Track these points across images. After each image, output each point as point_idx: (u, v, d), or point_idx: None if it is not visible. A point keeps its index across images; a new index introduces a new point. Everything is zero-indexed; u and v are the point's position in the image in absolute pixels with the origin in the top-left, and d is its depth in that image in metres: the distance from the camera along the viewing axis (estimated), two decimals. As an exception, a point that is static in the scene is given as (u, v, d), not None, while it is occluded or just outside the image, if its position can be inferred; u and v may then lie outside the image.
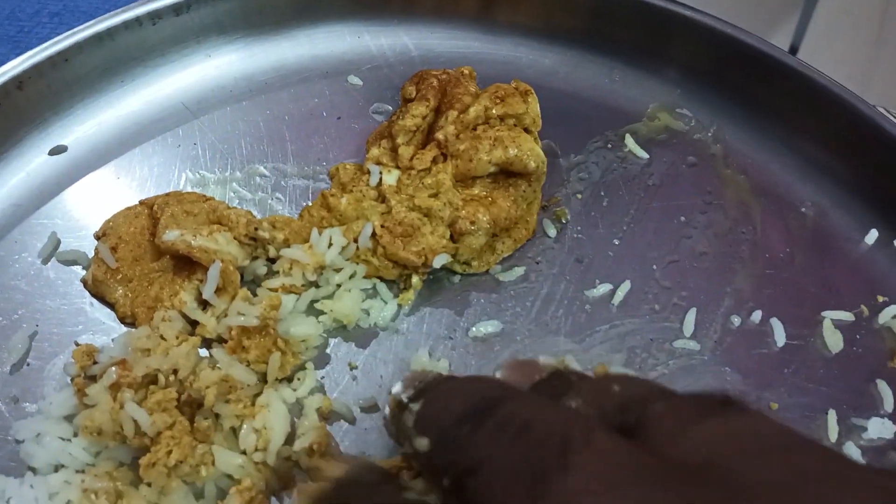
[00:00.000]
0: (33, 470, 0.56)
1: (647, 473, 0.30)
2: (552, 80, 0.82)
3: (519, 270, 0.69)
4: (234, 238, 0.64)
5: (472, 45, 0.85)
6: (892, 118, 0.75)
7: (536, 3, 0.84)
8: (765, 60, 0.78)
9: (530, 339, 0.66)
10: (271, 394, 0.59)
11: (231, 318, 0.60)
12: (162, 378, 0.56)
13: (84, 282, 0.66)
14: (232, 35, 0.82)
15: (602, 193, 0.75)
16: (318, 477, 0.54)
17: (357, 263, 0.66)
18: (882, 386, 0.64)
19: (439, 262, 0.65)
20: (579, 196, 0.75)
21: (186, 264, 0.64)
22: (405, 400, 0.42)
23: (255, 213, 0.69)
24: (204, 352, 0.61)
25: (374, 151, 0.72)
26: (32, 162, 0.73)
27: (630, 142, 0.78)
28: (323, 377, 0.63)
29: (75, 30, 0.74)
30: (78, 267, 0.67)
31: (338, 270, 0.66)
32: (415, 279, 0.67)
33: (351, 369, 0.64)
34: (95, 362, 0.58)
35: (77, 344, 0.61)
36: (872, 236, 0.73)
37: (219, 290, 0.62)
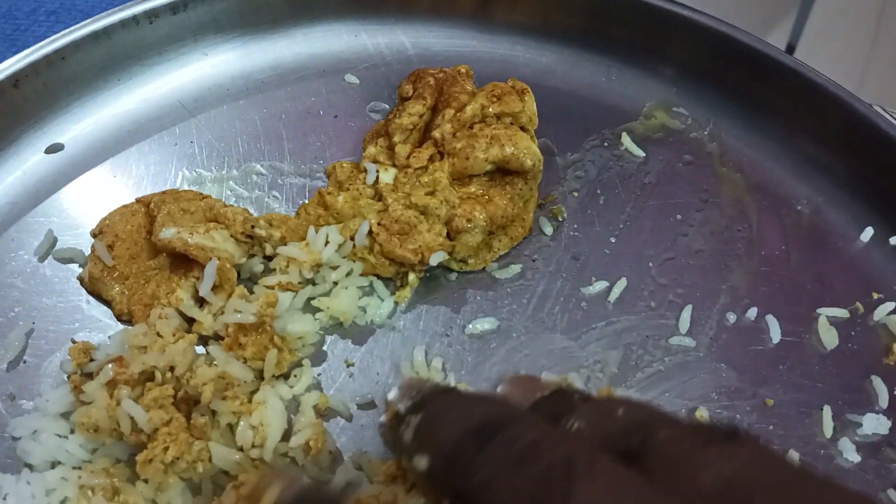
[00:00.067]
0: (30, 466, 0.56)
1: (650, 503, 0.30)
2: (549, 78, 0.82)
3: (515, 268, 0.70)
4: (231, 236, 0.64)
5: (470, 44, 0.85)
6: (888, 117, 0.75)
7: (533, 1, 0.84)
8: (761, 59, 0.78)
9: (527, 337, 0.66)
10: (268, 391, 0.59)
11: (228, 315, 0.60)
12: (158, 375, 0.56)
13: (81, 279, 0.66)
14: (229, 34, 0.82)
15: (598, 191, 0.75)
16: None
17: (354, 261, 0.66)
18: (877, 382, 0.65)
19: (436, 259, 0.66)
20: (576, 194, 0.75)
21: (183, 262, 0.64)
22: (403, 411, 0.42)
23: (251, 211, 0.69)
24: (201, 349, 0.61)
25: (371, 150, 0.72)
26: (29, 160, 0.73)
27: (626, 140, 0.78)
28: (320, 374, 0.63)
29: (72, 28, 0.75)
30: (74, 265, 0.68)
31: (334, 268, 0.66)
32: (411, 277, 0.67)
33: (348, 366, 0.64)
34: (92, 359, 0.58)
35: (74, 341, 0.61)
36: (868, 234, 0.73)
37: (215, 288, 0.62)
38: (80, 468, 0.55)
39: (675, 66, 0.82)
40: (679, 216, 0.74)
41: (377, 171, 0.69)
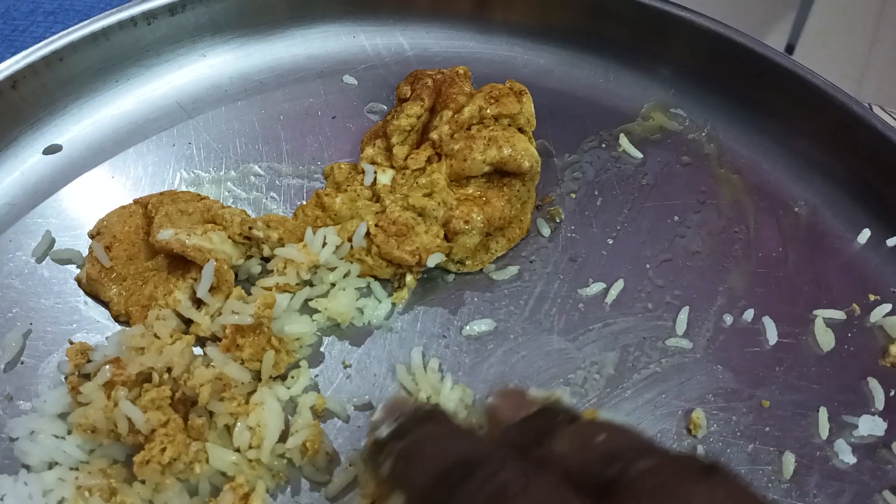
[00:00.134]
0: (27, 467, 0.56)
1: None
2: (547, 79, 0.82)
3: (513, 269, 0.70)
4: (229, 237, 0.64)
5: (468, 45, 0.85)
6: (887, 116, 0.75)
7: (532, 2, 0.84)
8: (759, 60, 0.78)
9: (524, 338, 0.66)
10: (265, 392, 0.59)
11: (225, 316, 0.60)
12: (156, 376, 0.57)
13: (78, 280, 0.66)
14: (227, 34, 0.82)
15: (596, 193, 0.75)
16: None
17: (351, 262, 0.67)
18: (873, 384, 0.65)
19: (433, 261, 0.66)
20: (573, 195, 0.75)
21: (181, 263, 0.64)
22: (384, 436, 0.43)
23: (249, 212, 0.70)
24: (198, 350, 0.61)
25: (369, 151, 0.72)
26: (27, 161, 0.73)
27: (624, 141, 0.78)
28: (317, 375, 0.63)
29: (70, 29, 0.75)
30: (72, 266, 0.68)
31: (332, 269, 0.66)
32: (409, 278, 0.67)
33: (345, 367, 0.64)
34: (89, 360, 0.58)
35: (71, 342, 0.61)
36: (865, 235, 0.73)
37: (213, 289, 0.62)
38: (77, 469, 0.55)
39: (673, 68, 0.82)
40: (676, 217, 0.74)
41: (375, 173, 0.69)
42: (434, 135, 0.70)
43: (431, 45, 0.85)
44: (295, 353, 0.63)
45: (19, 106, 0.73)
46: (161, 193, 0.69)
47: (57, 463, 0.56)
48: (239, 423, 0.57)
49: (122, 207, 0.68)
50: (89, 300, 0.66)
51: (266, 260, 0.66)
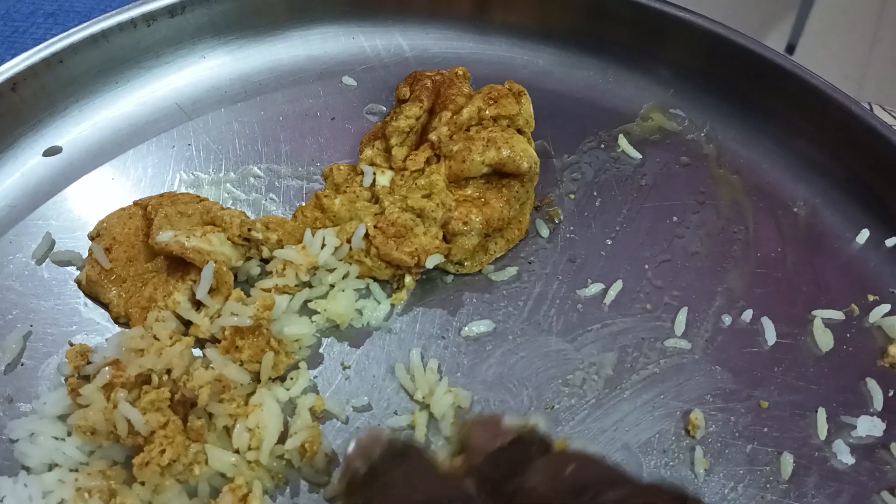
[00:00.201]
0: (27, 469, 0.57)
1: None
2: (546, 80, 0.82)
3: (511, 270, 0.70)
4: (228, 239, 0.65)
5: (467, 46, 0.85)
6: (885, 117, 0.75)
7: (531, 3, 0.84)
8: (757, 61, 0.78)
9: (522, 339, 0.66)
10: (264, 393, 0.59)
11: (224, 318, 0.60)
12: (155, 378, 0.57)
13: (78, 282, 0.67)
14: (226, 36, 0.82)
15: (595, 193, 0.75)
16: None
17: (350, 264, 0.67)
18: (872, 384, 0.65)
19: (432, 262, 0.66)
20: (572, 196, 0.75)
21: (180, 265, 0.64)
22: (358, 479, 0.44)
23: (248, 213, 0.70)
24: (197, 352, 0.61)
25: (368, 152, 0.72)
26: (27, 163, 0.74)
27: (623, 142, 0.78)
28: (316, 377, 0.63)
29: (70, 31, 0.75)
30: (72, 267, 0.68)
31: (331, 271, 0.66)
32: (408, 279, 0.67)
33: (344, 369, 0.64)
34: (89, 362, 0.58)
35: (71, 344, 0.61)
36: (864, 236, 0.73)
37: (212, 291, 0.62)
38: (76, 470, 0.55)
39: (672, 68, 0.82)
40: (675, 218, 0.74)
41: (374, 174, 0.69)
42: (433, 136, 0.70)
43: (430, 46, 0.85)
44: (294, 354, 0.63)
45: (19, 108, 0.73)
46: (161, 195, 0.69)
47: (57, 464, 0.56)
48: (238, 425, 0.57)
49: (122, 209, 0.69)
50: (89, 302, 0.66)
51: (265, 261, 0.67)
